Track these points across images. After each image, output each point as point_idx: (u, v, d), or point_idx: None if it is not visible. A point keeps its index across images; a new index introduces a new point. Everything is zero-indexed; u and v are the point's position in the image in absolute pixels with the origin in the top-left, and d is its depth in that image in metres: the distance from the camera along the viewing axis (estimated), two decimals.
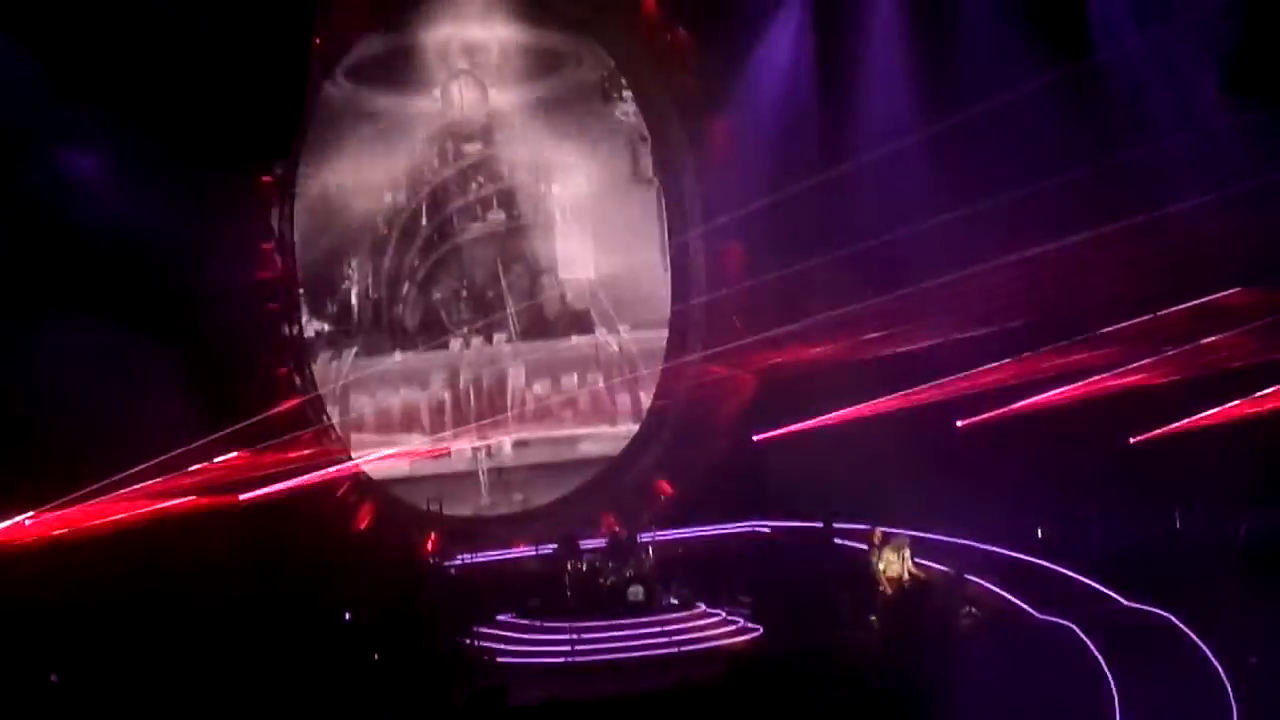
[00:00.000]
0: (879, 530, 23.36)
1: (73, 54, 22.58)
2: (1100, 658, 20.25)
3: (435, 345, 27.88)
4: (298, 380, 26.45)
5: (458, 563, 26.05)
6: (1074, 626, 21.89)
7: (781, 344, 26.24)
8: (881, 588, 23.14)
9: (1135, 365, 24.80)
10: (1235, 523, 23.97)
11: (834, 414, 25.82)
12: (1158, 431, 24.48)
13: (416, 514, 27.46)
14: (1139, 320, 24.63)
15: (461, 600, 24.63)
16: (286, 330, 26.46)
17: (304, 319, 27.18)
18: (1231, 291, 24.13)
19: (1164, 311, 24.51)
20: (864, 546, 24.11)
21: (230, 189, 23.69)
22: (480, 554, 26.54)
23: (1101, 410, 24.79)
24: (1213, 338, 24.33)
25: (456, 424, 27.80)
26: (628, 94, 28.89)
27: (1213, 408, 24.34)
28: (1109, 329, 24.78)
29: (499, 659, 23.26)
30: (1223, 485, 23.69)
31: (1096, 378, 24.98)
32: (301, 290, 27.11)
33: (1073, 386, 25.05)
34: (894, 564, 23.40)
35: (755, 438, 26.77)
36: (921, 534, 24.12)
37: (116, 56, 22.66)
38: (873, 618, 22.81)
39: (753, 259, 27.06)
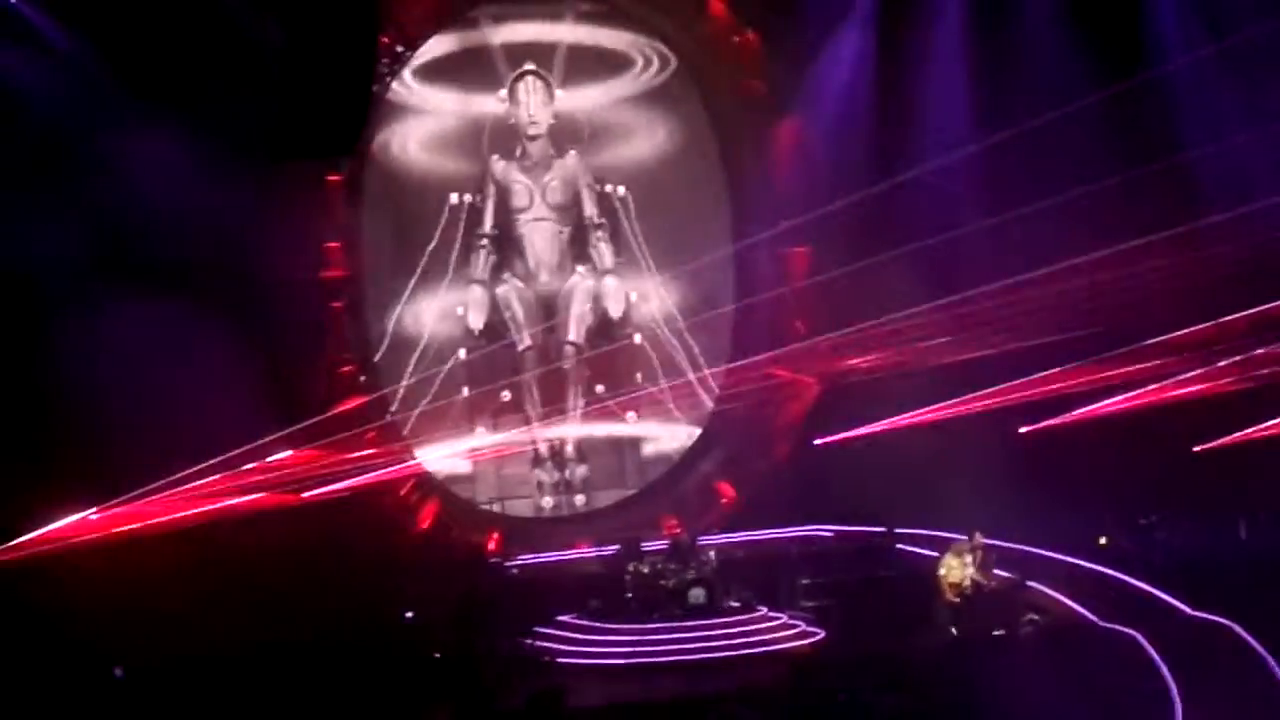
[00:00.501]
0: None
1: (143, 52, 22.74)
2: (1164, 668, 20.16)
3: (499, 345, 27.89)
4: (362, 378, 26.55)
5: (519, 563, 26.10)
6: (1138, 635, 21.81)
7: (844, 349, 26.17)
8: (944, 594, 23.11)
9: (1198, 373, 24.63)
10: None
11: (896, 419, 25.76)
12: (1222, 440, 24.32)
13: (478, 514, 27.55)
14: (1201, 327, 24.43)
15: (522, 601, 24.65)
16: (352, 328, 26.54)
17: (369, 317, 27.23)
18: None
19: (1227, 318, 24.31)
20: (927, 552, 24.12)
21: (298, 187, 23.78)
22: (541, 555, 26.57)
23: (1166, 418, 24.67)
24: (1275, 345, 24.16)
25: (519, 424, 27.84)
26: (695, 96, 28.85)
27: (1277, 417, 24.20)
28: (1171, 335, 24.60)
29: (559, 660, 23.28)
30: None
31: (1159, 385, 24.85)
32: (367, 289, 27.13)
33: (1136, 393, 24.94)
34: (955, 569, 23.36)
35: (817, 442, 26.73)
36: (986, 540, 24.04)
37: (186, 54, 22.83)
38: (947, 625, 22.81)
39: (816, 262, 27.00)
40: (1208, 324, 24.46)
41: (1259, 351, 24.20)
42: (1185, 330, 24.50)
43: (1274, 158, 23.24)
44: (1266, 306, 24.05)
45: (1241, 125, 23.96)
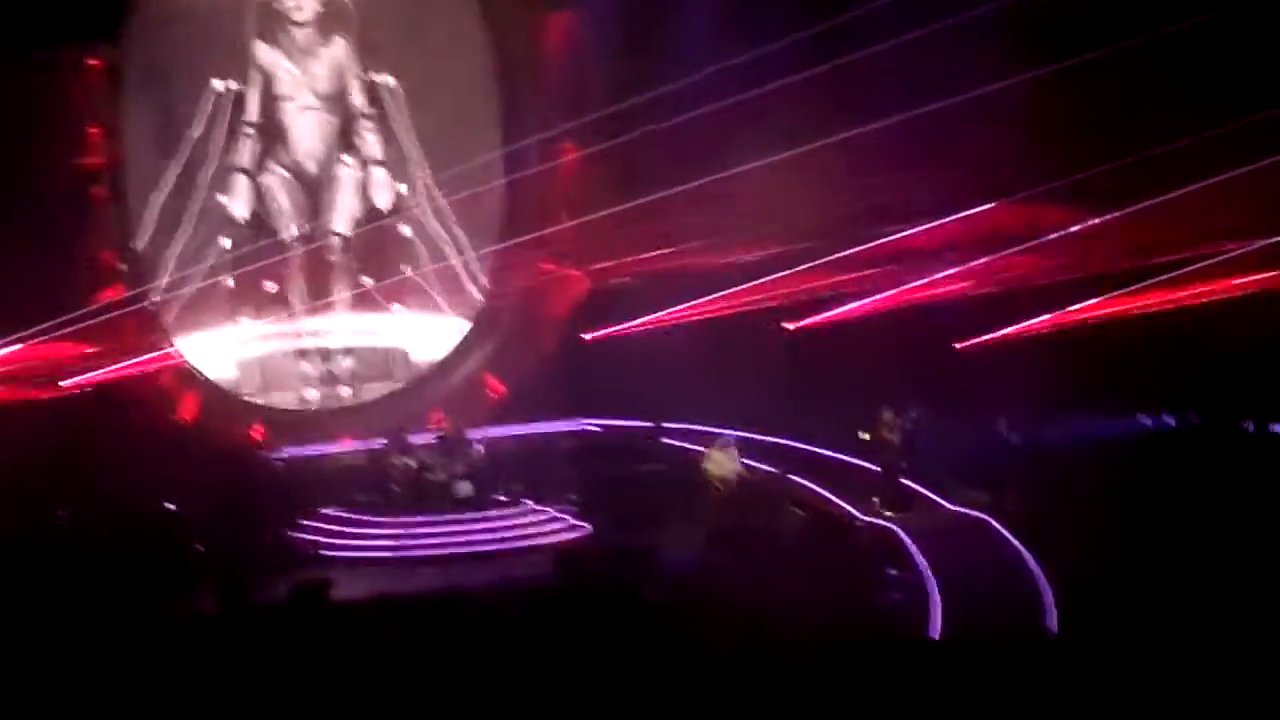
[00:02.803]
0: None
1: None
2: (921, 560, 20.61)
3: (264, 233, 27.45)
4: (124, 267, 26.03)
5: (283, 456, 25.85)
6: (896, 529, 22.27)
7: (613, 247, 26.20)
8: (709, 489, 23.39)
9: (955, 272, 25.08)
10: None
11: (664, 314, 25.88)
12: (982, 338, 24.78)
13: (242, 405, 27.20)
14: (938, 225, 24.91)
15: (286, 493, 24.50)
16: (113, 216, 25.99)
17: (132, 205, 26.64)
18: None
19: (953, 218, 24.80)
20: (693, 447, 24.36)
21: (56, 72, 23.19)
22: (306, 448, 26.34)
23: (928, 316, 25.07)
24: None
25: (285, 314, 27.47)
26: None
27: (1036, 317, 24.69)
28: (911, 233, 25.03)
29: (322, 552, 23.19)
30: (1044, 393, 24.14)
31: (917, 285, 25.24)
32: (129, 176, 26.54)
33: (895, 292, 25.30)
34: (721, 464, 23.64)
35: (585, 336, 26.78)
36: (749, 435, 24.34)
37: None
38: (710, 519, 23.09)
39: (587, 162, 26.90)
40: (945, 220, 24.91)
41: (1012, 252, 24.64)
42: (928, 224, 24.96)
43: None
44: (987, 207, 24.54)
45: None
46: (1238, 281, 23.35)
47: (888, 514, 23.43)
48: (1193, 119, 21.55)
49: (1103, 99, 23.16)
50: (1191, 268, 23.41)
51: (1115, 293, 24.05)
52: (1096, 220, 23.94)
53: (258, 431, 26.39)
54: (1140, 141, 21.94)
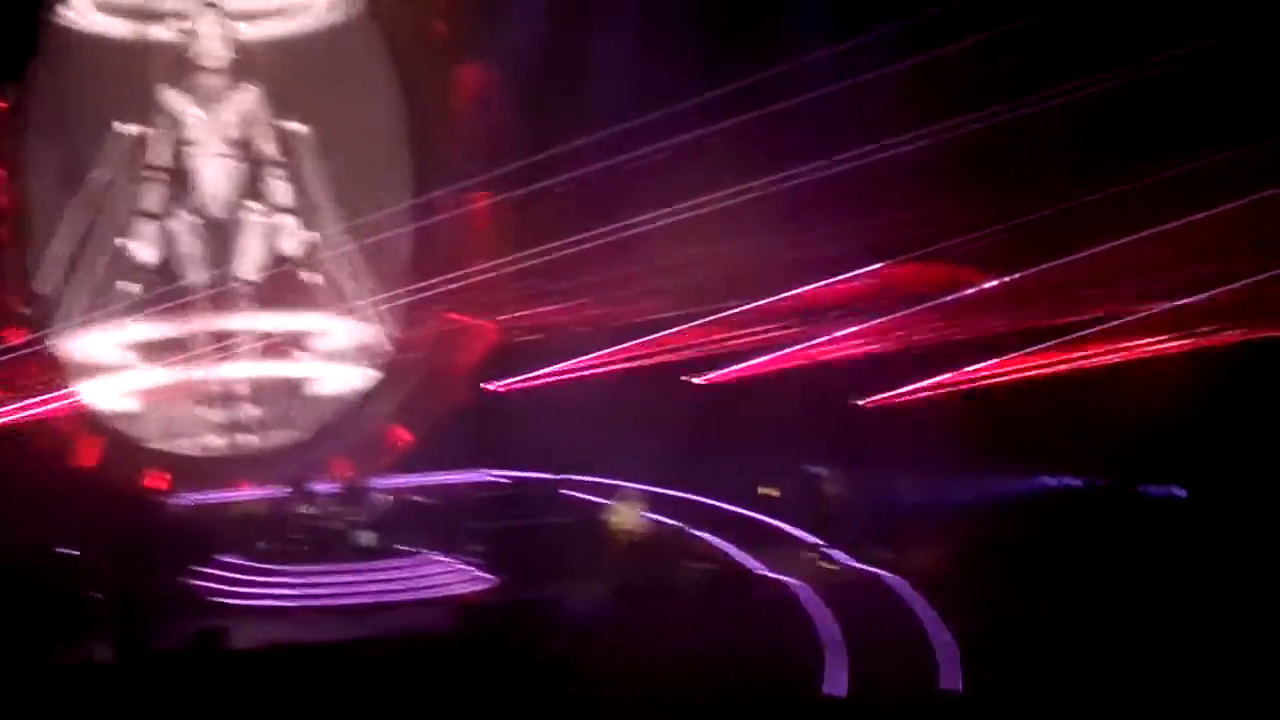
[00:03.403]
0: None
1: None
2: (824, 617, 20.64)
3: (170, 278, 27.29)
4: (26, 310, 25.81)
5: (185, 502, 25.65)
6: (800, 584, 22.32)
7: (522, 298, 26.25)
8: (613, 541, 23.39)
9: (858, 330, 25.28)
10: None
11: (571, 365, 25.92)
12: (886, 396, 24.96)
13: (144, 451, 26.99)
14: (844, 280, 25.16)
15: (187, 540, 24.28)
16: (16, 258, 25.80)
17: (36, 248, 26.44)
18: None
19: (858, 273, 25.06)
20: (598, 499, 24.36)
21: None
22: (209, 494, 26.14)
23: (833, 374, 25.24)
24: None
25: (189, 360, 27.28)
26: (378, 35, 28.49)
27: (941, 375, 24.90)
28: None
29: (222, 600, 23.00)
30: (947, 452, 24.33)
31: (822, 341, 25.42)
32: (34, 218, 26.35)
33: (802, 348, 25.46)
34: (624, 516, 23.66)
35: (492, 387, 26.76)
36: (653, 489, 24.38)
37: None
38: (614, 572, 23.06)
39: (498, 212, 26.96)
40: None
41: (914, 311, 24.86)
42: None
43: None
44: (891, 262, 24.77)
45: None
46: (1138, 344, 23.64)
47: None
48: (1094, 181, 21.86)
49: (1001, 161, 23.47)
50: (1091, 330, 23.69)
51: (1019, 353, 24.30)
52: (999, 281, 24.21)
53: (159, 477, 26.18)
54: (1036, 204, 22.27)
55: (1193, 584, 19.50)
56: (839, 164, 23.09)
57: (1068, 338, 23.92)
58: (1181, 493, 23.88)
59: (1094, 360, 23.87)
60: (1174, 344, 23.47)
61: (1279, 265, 21.78)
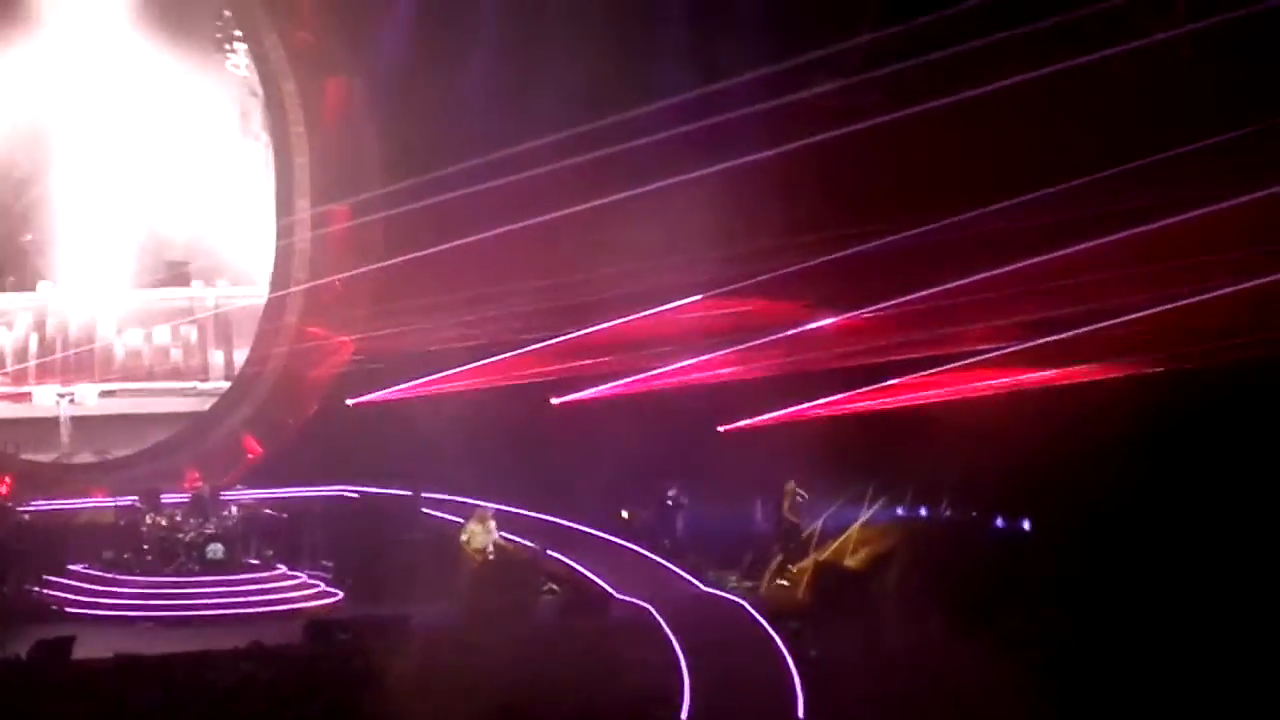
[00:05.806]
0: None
1: None
2: (674, 640, 20.67)
3: (24, 288, 26.99)
4: None
5: (31, 509, 25.26)
6: (651, 608, 22.34)
7: (381, 314, 26.18)
8: (466, 560, 23.31)
9: (714, 358, 25.42)
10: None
11: (430, 381, 25.87)
12: (745, 423, 25.09)
13: None
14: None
15: (33, 548, 23.92)
16: None
17: None
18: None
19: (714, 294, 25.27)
20: (452, 517, 24.28)
21: None
22: (56, 502, 25.78)
23: (693, 399, 25.35)
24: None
25: (41, 369, 26.96)
26: (241, 47, 28.29)
27: (798, 404, 25.07)
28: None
29: (69, 610, 22.67)
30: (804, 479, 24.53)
31: (682, 366, 25.54)
32: None
33: (660, 372, 25.57)
34: (478, 536, 23.56)
35: (349, 401, 26.64)
36: (509, 509, 24.32)
37: None
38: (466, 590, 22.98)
39: (359, 229, 26.86)
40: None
41: (769, 340, 25.04)
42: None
43: None
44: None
45: None
46: (991, 381, 23.90)
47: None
48: (948, 214, 22.13)
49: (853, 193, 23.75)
50: (948, 366, 23.95)
51: (873, 386, 24.52)
52: (847, 316, 24.49)
53: (5, 484, 25.80)
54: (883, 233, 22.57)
55: (1038, 614, 19.76)
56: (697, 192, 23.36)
57: (923, 373, 24.16)
58: (1027, 526, 24.15)
59: (946, 394, 24.10)
60: (1025, 379, 23.74)
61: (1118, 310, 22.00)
